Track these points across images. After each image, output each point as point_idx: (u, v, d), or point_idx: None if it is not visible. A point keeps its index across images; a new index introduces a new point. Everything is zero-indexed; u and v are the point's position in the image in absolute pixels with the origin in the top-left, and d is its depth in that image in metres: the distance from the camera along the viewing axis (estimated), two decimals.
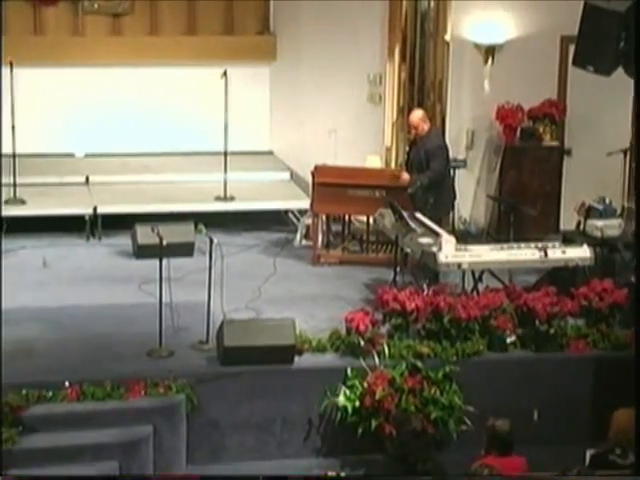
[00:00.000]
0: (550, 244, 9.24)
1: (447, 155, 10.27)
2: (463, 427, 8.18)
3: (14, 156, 11.20)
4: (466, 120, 11.64)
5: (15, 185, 11.23)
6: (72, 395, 7.84)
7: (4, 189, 11.21)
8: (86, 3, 12.75)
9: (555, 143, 11.54)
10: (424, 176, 10.00)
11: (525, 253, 9.11)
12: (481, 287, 9.23)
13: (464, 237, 10.85)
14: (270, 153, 13.22)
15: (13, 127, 11.21)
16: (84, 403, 7.84)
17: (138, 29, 12.95)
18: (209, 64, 12.40)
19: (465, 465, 7.00)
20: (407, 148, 10.81)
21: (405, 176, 10.05)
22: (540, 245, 9.17)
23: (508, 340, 8.66)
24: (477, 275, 9.28)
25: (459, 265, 9.00)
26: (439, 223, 9.77)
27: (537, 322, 8.68)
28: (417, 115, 10.24)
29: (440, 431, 8.14)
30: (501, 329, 8.65)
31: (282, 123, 13.01)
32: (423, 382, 8.23)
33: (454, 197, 10.52)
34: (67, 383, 7.87)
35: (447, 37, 11.35)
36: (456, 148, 11.51)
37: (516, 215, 10.56)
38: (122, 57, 12.69)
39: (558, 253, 9.13)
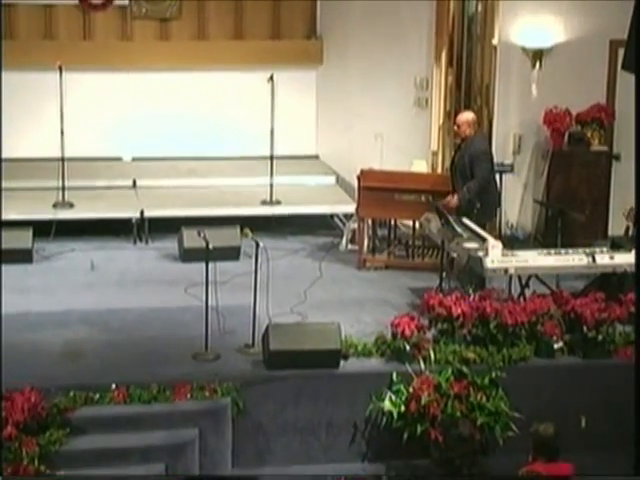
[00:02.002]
0: (598, 250, 9.17)
1: (491, 160, 10.18)
2: (509, 433, 8.12)
3: (63, 160, 11.31)
4: (513, 124, 11.57)
5: (64, 188, 11.34)
6: (119, 397, 7.88)
7: (53, 192, 11.33)
8: (134, 8, 12.88)
9: (603, 148, 11.44)
10: (472, 184, 9.87)
11: (573, 259, 9.04)
12: (528, 292, 9.17)
13: (511, 242, 10.80)
14: (316, 157, 13.25)
15: (62, 131, 11.32)
16: (131, 405, 7.87)
17: (186, 34, 13.07)
18: (256, 68, 12.46)
19: (511, 471, 6.96)
20: (453, 152, 10.76)
21: (454, 201, 9.91)
22: (588, 251, 9.10)
23: (555, 346, 8.59)
24: (524, 280, 9.22)
25: (506, 270, 8.94)
26: (483, 228, 9.71)
27: (585, 328, 8.61)
28: (465, 116, 10.12)
29: (486, 437, 8.09)
30: (548, 335, 8.58)
31: (328, 127, 13.03)
32: (469, 388, 8.18)
33: (499, 203, 10.44)
34: (114, 385, 7.92)
35: (494, 41, 11.31)
36: (503, 152, 11.45)
37: (564, 220, 10.47)
38: (170, 61, 12.80)
39: (606, 259, 9.05)
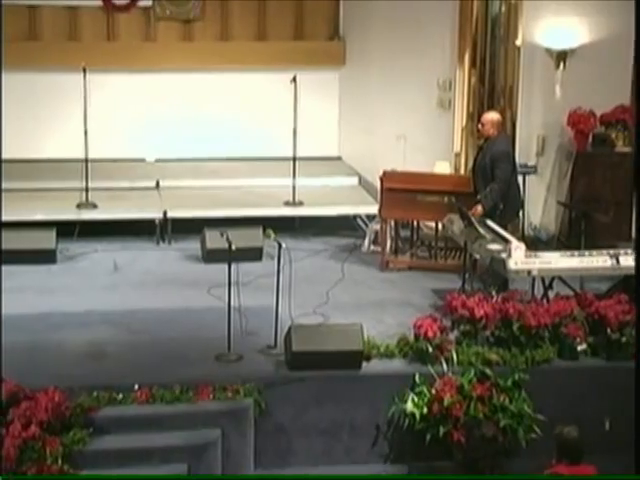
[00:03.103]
0: (622, 251, 9.10)
1: (512, 162, 10.12)
2: (532, 435, 8.09)
3: (86, 161, 11.36)
4: (537, 126, 11.53)
5: (87, 189, 11.39)
6: (142, 398, 7.90)
7: (76, 193, 11.38)
8: (158, 9, 12.92)
9: (628, 149, 11.37)
10: (494, 185, 9.80)
11: (597, 260, 9.00)
12: (551, 294, 9.14)
13: (534, 244, 10.76)
14: (339, 158, 13.26)
15: (86, 132, 11.37)
16: (153, 406, 7.89)
17: (209, 35, 13.11)
18: (279, 69, 12.47)
19: (534, 473, 6.93)
20: (476, 153, 10.73)
21: (479, 210, 9.85)
22: (612, 252, 9.05)
23: (579, 348, 8.56)
24: (547, 282, 9.18)
25: (529, 272, 8.91)
26: (505, 229, 9.68)
27: (608, 330, 8.57)
28: (491, 116, 10.05)
29: (509, 439, 8.06)
30: (572, 337, 8.55)
31: (351, 128, 13.03)
32: (492, 389, 8.15)
33: (521, 204, 10.39)
34: (137, 386, 7.94)
35: (518, 42, 11.28)
36: (527, 154, 11.42)
37: (587, 222, 10.43)
38: (193, 63, 12.84)
39: (630, 260, 8.98)
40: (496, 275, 9.27)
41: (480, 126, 10.11)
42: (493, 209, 9.82)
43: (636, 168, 8.83)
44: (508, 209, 9.99)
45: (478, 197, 9.98)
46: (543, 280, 9.16)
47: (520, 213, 10.67)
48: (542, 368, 8.43)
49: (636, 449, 6.55)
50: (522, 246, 8.97)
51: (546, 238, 11.56)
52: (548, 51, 11.36)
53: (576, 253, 9.18)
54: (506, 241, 9.12)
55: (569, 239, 11.06)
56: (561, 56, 11.32)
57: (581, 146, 11.32)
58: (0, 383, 7.63)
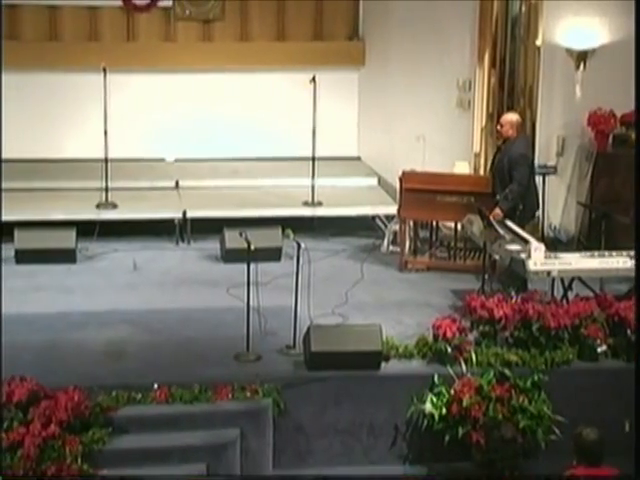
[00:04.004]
0: None
1: (530, 164, 10.08)
2: (552, 437, 8.07)
3: (106, 161, 11.39)
4: (557, 126, 11.50)
5: (107, 189, 11.42)
6: (161, 397, 7.91)
7: (96, 193, 11.42)
8: (178, 9, 12.95)
9: None
10: (513, 187, 9.79)
11: (617, 261, 8.96)
12: (571, 295, 9.11)
13: (554, 244, 10.73)
14: (358, 159, 13.24)
15: (106, 132, 11.40)
16: (172, 405, 7.91)
17: (228, 35, 13.12)
18: (298, 70, 12.47)
19: (553, 475, 6.90)
20: (494, 154, 10.70)
21: (497, 212, 9.83)
22: (632, 253, 9.01)
23: (599, 349, 8.53)
24: (567, 283, 9.15)
25: (548, 273, 8.88)
26: (522, 230, 9.65)
27: (629, 331, 8.54)
28: (510, 117, 10.06)
29: (528, 440, 8.04)
30: (592, 338, 8.52)
31: (370, 129, 13.02)
32: (511, 390, 8.13)
33: (538, 205, 10.36)
34: (156, 385, 7.95)
35: (538, 42, 11.25)
36: (547, 154, 11.39)
37: (608, 223, 10.38)
38: (212, 63, 12.86)
39: None
40: (515, 276, 9.24)
41: (499, 127, 10.10)
42: (512, 210, 9.80)
43: (637, 168, 8.79)
44: (526, 210, 9.97)
45: (497, 198, 9.97)
46: (563, 281, 9.13)
47: (537, 214, 10.64)
48: (562, 369, 8.40)
49: (636, 449, 6.52)
50: (542, 247, 8.94)
51: (566, 239, 11.52)
52: (568, 51, 11.33)
53: (596, 254, 9.15)
54: (526, 242, 9.10)
55: (589, 240, 11.02)
56: (581, 56, 11.29)
57: (601, 146, 11.29)
58: (0, 378, 7.67)
